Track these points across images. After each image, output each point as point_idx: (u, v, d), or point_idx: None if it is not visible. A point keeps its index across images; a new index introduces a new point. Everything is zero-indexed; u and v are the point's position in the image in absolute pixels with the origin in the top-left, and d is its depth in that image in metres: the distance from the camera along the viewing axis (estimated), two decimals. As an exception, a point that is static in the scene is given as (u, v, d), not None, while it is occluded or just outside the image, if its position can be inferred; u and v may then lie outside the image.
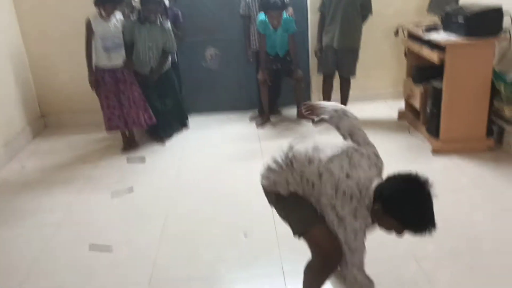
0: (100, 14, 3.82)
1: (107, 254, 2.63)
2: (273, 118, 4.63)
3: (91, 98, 4.09)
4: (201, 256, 2.56)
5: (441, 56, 3.46)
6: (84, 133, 4.53)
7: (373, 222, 1.74)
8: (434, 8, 4.10)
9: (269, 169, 1.93)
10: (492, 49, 3.46)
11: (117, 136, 4.20)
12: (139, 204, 3.20)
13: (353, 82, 4.41)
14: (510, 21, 3.47)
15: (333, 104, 2.05)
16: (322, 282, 1.97)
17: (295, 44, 4.34)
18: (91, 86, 3.95)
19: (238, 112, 4.88)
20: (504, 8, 3.41)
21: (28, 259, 2.62)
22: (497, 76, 3.53)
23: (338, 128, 1.95)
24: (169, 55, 4.22)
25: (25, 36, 4.59)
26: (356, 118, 1.98)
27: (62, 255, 2.66)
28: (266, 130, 4.43)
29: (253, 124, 4.59)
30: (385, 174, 1.75)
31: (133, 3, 4.16)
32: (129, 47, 3.98)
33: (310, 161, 1.78)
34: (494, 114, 3.64)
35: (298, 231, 1.87)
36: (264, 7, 4.18)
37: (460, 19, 3.45)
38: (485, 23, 3.40)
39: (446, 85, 3.51)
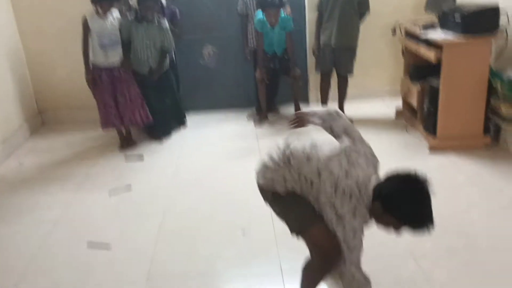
0: (97, 12, 3.81)
1: (105, 251, 2.63)
2: (270, 116, 4.64)
3: (89, 95, 4.08)
4: (198, 254, 2.57)
5: (438, 55, 3.47)
6: (81, 130, 4.52)
7: (371, 220, 1.75)
8: (432, 7, 4.11)
9: (265, 167, 1.91)
10: (489, 47, 3.48)
11: (115, 133, 4.19)
12: (137, 202, 3.20)
13: (351, 80, 4.42)
14: (506, 19, 3.48)
15: (325, 108, 2.08)
16: (320, 280, 1.98)
17: (293, 42, 4.34)
18: (88, 85, 3.94)
19: (236, 110, 4.88)
20: (501, 7, 3.42)
21: (26, 256, 2.62)
22: (493, 74, 3.55)
23: (332, 129, 1.96)
24: (168, 54, 4.21)
25: (22, 32, 4.58)
26: (350, 120, 2.00)
27: (59, 253, 2.66)
28: (264, 128, 4.43)
29: (251, 123, 4.59)
30: (383, 172, 1.76)
31: (130, 2, 4.16)
32: (127, 45, 3.98)
33: (308, 158, 1.78)
34: (491, 112, 3.65)
35: (296, 230, 1.87)
36: (262, 5, 4.18)
37: (457, 18, 3.46)
38: (482, 22, 3.41)
39: (443, 83, 3.52)
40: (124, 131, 4.17)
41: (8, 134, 4.13)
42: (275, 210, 1.98)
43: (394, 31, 4.31)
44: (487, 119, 3.63)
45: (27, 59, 4.66)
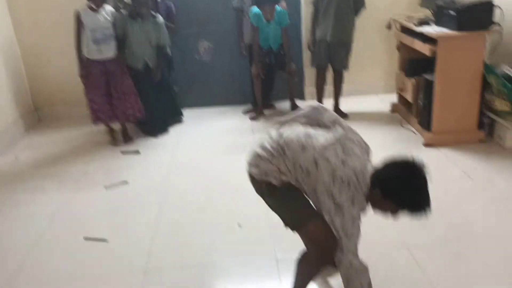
0: (90, 6, 3.80)
1: (102, 244, 2.64)
2: (266, 112, 4.65)
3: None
4: (195, 245, 2.58)
5: (433, 49, 3.50)
6: (78, 126, 4.51)
7: (368, 206, 1.77)
8: (426, 2, 4.13)
9: (258, 157, 1.86)
10: (483, 42, 3.50)
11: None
12: (134, 196, 3.20)
13: (346, 75, 4.44)
14: (501, 14, 3.50)
15: (309, 104, 2.07)
16: (315, 274, 2.00)
17: (288, 37, 4.35)
18: (82, 81, 3.92)
19: (232, 105, 4.88)
20: (495, 2, 3.44)
21: (22, 250, 2.62)
22: (488, 69, 3.57)
23: (319, 124, 1.95)
24: (164, 50, 4.21)
25: (16, 26, 4.55)
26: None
27: (56, 246, 2.66)
28: (260, 123, 4.44)
29: (247, 118, 4.60)
30: (376, 161, 1.78)
31: (125, -1, 4.15)
32: (121, 41, 3.97)
33: (303, 148, 1.76)
34: (485, 106, 3.68)
35: (293, 226, 1.87)
36: (257, 2, 4.18)
37: (452, 13, 3.48)
38: (476, 17, 3.44)
39: (437, 77, 3.54)
40: (120, 127, 4.17)
41: (3, 130, 4.11)
42: (268, 203, 1.95)
43: (389, 26, 4.33)
44: (481, 114, 3.66)
45: (22, 54, 4.64)
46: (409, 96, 4.03)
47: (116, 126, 4.19)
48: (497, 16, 3.50)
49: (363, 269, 1.72)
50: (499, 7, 3.51)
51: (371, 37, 4.75)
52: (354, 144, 1.80)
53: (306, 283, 2.02)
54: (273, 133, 1.89)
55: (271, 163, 1.81)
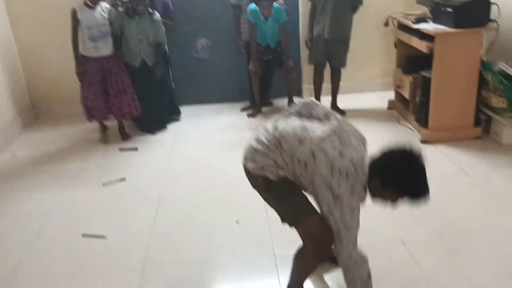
0: (86, 3, 3.79)
1: (100, 241, 2.65)
2: (264, 109, 4.66)
3: (82, 88, 4.07)
4: (193, 241, 2.59)
5: (430, 46, 3.51)
6: (75, 123, 4.50)
7: (367, 197, 1.78)
8: (424, -1, 4.14)
9: (254, 150, 1.84)
10: (480, 39, 3.52)
11: (110, 126, 4.19)
12: (132, 193, 3.21)
13: (343, 72, 4.44)
14: (497, 11, 3.52)
15: (300, 100, 2.08)
16: (312, 269, 2.02)
17: (286, 34, 4.35)
18: (79, 79, 3.91)
19: (229, 103, 4.89)
20: (492, -1, 3.46)
21: (21, 247, 2.62)
22: (485, 66, 3.59)
23: (311, 117, 1.94)
24: (162, 46, 4.21)
25: (13, 23, 4.54)
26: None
27: (55, 243, 2.67)
28: (257, 120, 4.45)
29: (244, 115, 4.60)
30: (373, 152, 1.79)
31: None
32: (118, 38, 3.96)
33: (300, 141, 1.75)
34: (481, 103, 3.70)
35: (290, 221, 1.88)
36: (255, -2, 4.19)
37: (449, 10, 3.49)
38: (473, 14, 3.45)
39: (435, 74, 3.55)
40: (117, 124, 4.17)
41: (0, 128, 4.11)
42: (264, 197, 1.94)
43: (386, 23, 4.33)
44: (478, 111, 3.68)
45: (18, 51, 4.63)
46: (406, 93, 4.05)
47: (112, 123, 4.19)
48: (494, 13, 3.51)
49: (363, 261, 1.73)
50: (496, 4, 3.53)
51: (368, 35, 4.76)
52: (350, 135, 1.79)
53: (303, 278, 2.04)
54: (269, 126, 1.88)
55: (267, 157, 1.79)
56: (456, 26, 3.44)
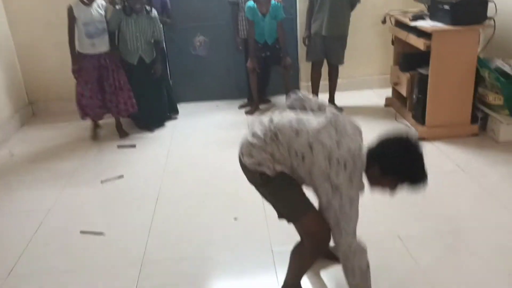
0: (82, 0, 3.78)
1: (98, 237, 2.65)
2: (262, 106, 4.66)
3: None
4: (191, 238, 2.60)
5: (427, 43, 3.52)
6: (72, 120, 4.47)
7: (365, 186, 1.79)
8: (421, -4, 4.15)
9: (250, 145, 1.82)
10: (477, 36, 3.53)
11: (108, 123, 4.20)
12: (130, 190, 3.22)
13: (341, 70, 4.45)
14: (494, 9, 3.53)
15: (291, 94, 2.07)
16: (310, 265, 2.03)
17: (284, 31, 4.36)
18: (74, 76, 3.90)
19: (227, 100, 4.89)
20: (489, -4, 3.47)
21: (19, 244, 2.63)
22: (481, 63, 3.60)
23: (304, 110, 1.94)
24: (160, 43, 4.21)
25: (11, 21, 4.53)
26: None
27: (53, 240, 2.68)
28: (255, 118, 4.45)
29: (242, 112, 4.61)
30: (369, 141, 1.80)
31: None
32: (114, 35, 3.96)
33: (297, 133, 1.74)
34: (478, 100, 3.72)
35: (288, 218, 1.89)
36: (253, -5, 4.19)
37: (446, 7, 3.50)
38: (470, 11, 3.46)
39: (432, 71, 3.57)
40: (115, 121, 4.17)
41: (-1, 125, 4.12)
42: (262, 193, 1.93)
43: (384, 20, 4.34)
44: (474, 108, 3.69)
45: (16, 48, 4.62)
46: (403, 90, 4.06)
47: (110, 120, 4.18)
48: (490, 10, 3.52)
49: (362, 251, 1.74)
50: (493, 2, 3.53)
51: (366, 32, 4.77)
52: (346, 124, 1.79)
53: (300, 274, 2.05)
54: (264, 120, 1.87)
55: (264, 152, 1.78)
56: (453, 23, 3.45)
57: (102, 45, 3.87)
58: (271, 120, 1.83)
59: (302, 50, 4.68)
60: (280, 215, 1.93)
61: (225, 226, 2.70)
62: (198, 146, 3.90)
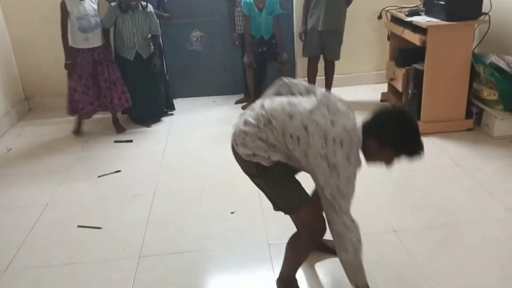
0: None
1: (96, 231, 2.67)
2: (258, 101, 4.66)
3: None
4: (188, 232, 2.62)
5: (423, 39, 3.54)
6: (69, 116, 4.50)
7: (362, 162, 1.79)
8: (417, -8, 4.17)
9: (244, 134, 1.78)
10: (472, 32, 3.55)
11: (105, 119, 4.20)
12: (127, 184, 3.23)
13: (337, 65, 4.47)
14: (489, 4, 3.55)
15: (275, 82, 2.03)
16: (305, 257, 2.05)
17: (280, 26, 4.37)
18: (68, 71, 3.88)
19: (223, 95, 4.90)
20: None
21: (17, 239, 2.64)
22: (476, 58, 3.62)
23: (292, 94, 1.91)
24: (156, 37, 4.21)
25: (7, 16, 4.52)
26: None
27: (51, 234, 2.69)
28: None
29: (239, 107, 4.62)
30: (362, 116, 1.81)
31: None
32: (109, 31, 3.96)
33: (290, 116, 1.72)
34: (473, 96, 3.74)
35: (284, 210, 1.89)
36: (250, -10, 4.19)
37: (441, 2, 3.52)
38: (465, 7, 3.48)
39: (427, 67, 3.59)
40: (111, 116, 4.17)
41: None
42: (257, 184, 1.91)
43: (380, 16, 4.36)
44: (469, 103, 3.72)
45: (12, 44, 4.61)
46: (399, 85, 4.08)
47: (107, 116, 4.18)
48: (485, 6, 3.54)
49: (355, 227, 1.74)
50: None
51: (362, 28, 4.78)
52: (337, 102, 1.77)
53: (296, 266, 2.06)
54: (256, 106, 1.85)
55: (258, 139, 1.75)
56: (448, 19, 3.47)
57: (95, 40, 3.86)
58: (262, 106, 1.80)
59: (298, 46, 4.69)
60: (276, 207, 1.93)
61: (222, 220, 2.72)
62: (194, 141, 3.92)
